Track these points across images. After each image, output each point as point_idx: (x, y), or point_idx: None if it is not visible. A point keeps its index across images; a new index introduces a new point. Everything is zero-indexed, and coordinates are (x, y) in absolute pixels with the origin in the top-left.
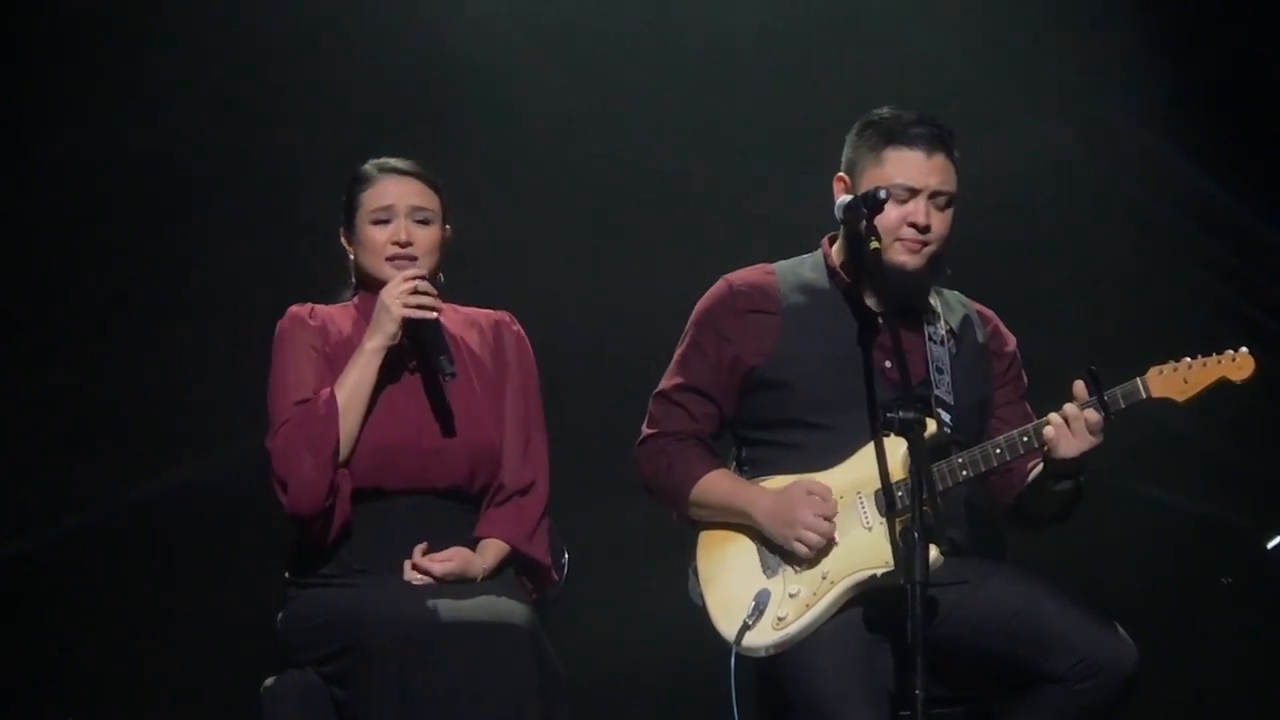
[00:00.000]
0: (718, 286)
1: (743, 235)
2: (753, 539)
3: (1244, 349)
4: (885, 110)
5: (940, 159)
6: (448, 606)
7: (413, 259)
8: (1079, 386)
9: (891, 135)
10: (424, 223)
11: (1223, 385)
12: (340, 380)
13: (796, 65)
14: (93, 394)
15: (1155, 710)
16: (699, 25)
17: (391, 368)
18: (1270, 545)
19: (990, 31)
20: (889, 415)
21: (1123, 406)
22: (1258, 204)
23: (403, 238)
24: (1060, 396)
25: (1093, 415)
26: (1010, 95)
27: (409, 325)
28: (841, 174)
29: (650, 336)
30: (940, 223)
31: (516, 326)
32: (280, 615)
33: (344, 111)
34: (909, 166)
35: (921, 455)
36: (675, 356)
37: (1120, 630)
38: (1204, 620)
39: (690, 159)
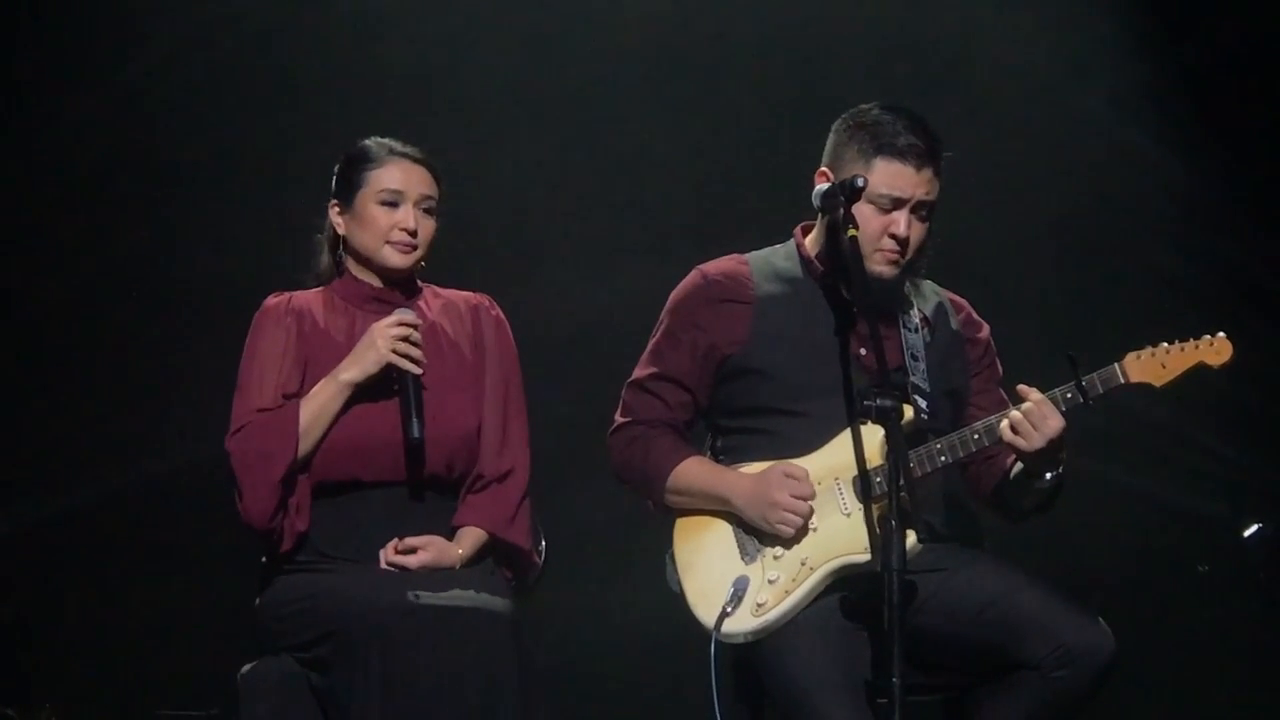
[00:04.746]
0: (691, 276)
1: (721, 224)
2: (730, 525)
3: (1221, 334)
4: (876, 110)
5: (928, 172)
6: (427, 594)
7: (414, 247)
8: (1024, 388)
9: (882, 145)
10: (429, 212)
11: (1201, 370)
12: (306, 401)
13: (777, 59)
14: (71, 381)
15: (1131, 697)
16: (684, 18)
17: None
18: (1246, 534)
19: (972, 21)
20: (866, 403)
21: (1100, 392)
22: (1236, 193)
23: (412, 226)
24: (1043, 385)
25: (1037, 396)
26: (991, 85)
27: (390, 367)
28: (825, 169)
29: (630, 322)
30: (919, 232)
31: (495, 310)
32: (258, 601)
33: (327, 99)
34: (897, 178)
35: (899, 442)
36: (649, 346)
37: (1097, 618)
38: (1180, 608)
39: (670, 149)
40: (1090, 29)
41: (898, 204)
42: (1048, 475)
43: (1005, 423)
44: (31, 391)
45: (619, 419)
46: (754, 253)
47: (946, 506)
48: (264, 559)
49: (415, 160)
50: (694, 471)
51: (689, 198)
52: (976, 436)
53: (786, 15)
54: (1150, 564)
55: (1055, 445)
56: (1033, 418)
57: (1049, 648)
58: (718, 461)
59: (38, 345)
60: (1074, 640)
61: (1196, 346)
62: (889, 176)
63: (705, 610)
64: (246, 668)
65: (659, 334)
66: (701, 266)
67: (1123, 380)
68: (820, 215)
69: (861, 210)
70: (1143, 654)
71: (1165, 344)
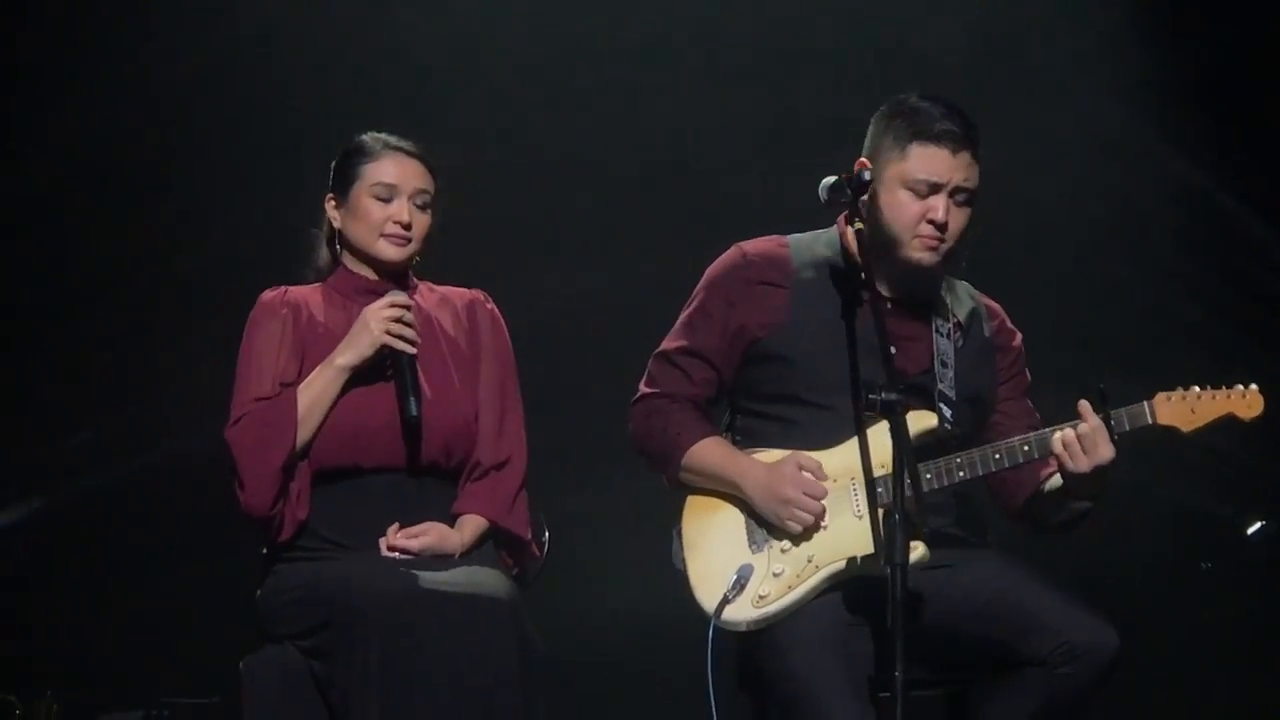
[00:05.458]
0: (730, 253)
1: (719, 219)
2: (741, 511)
3: (1254, 386)
4: (914, 99)
5: (965, 156)
6: (429, 579)
7: (408, 240)
8: (1085, 407)
9: (918, 130)
10: (423, 207)
11: (1229, 420)
12: (303, 387)
13: (772, 56)
14: (75, 372)
15: (1135, 693)
16: (681, 13)
17: None
18: (1250, 531)
19: (978, 22)
20: (871, 396)
21: (1127, 429)
22: (1243, 191)
23: (405, 219)
24: (1065, 394)
25: (1095, 422)
26: (996, 88)
27: (385, 349)
28: (864, 159)
29: (629, 315)
30: (958, 219)
31: (490, 305)
32: (259, 590)
33: (325, 96)
34: (933, 163)
35: (903, 438)
36: (681, 318)
37: (1102, 615)
38: (1183, 605)
39: (669, 144)
40: (1096, 23)
41: (934, 189)
42: (1085, 501)
43: (1058, 436)
44: (34, 382)
45: (643, 388)
46: (795, 236)
47: (953, 506)
48: (265, 548)
49: (410, 154)
50: (710, 453)
51: (687, 192)
52: (998, 457)
53: (783, 10)
54: (1153, 561)
55: (1101, 471)
56: (1085, 441)
57: (1053, 644)
58: (734, 443)
59: (42, 336)
60: (1078, 637)
61: (1229, 396)
62: (925, 161)
63: (706, 593)
64: (248, 656)
65: (692, 307)
66: (742, 244)
67: (1150, 421)
68: (862, 205)
69: (899, 196)
70: (1146, 651)
71: (1197, 388)
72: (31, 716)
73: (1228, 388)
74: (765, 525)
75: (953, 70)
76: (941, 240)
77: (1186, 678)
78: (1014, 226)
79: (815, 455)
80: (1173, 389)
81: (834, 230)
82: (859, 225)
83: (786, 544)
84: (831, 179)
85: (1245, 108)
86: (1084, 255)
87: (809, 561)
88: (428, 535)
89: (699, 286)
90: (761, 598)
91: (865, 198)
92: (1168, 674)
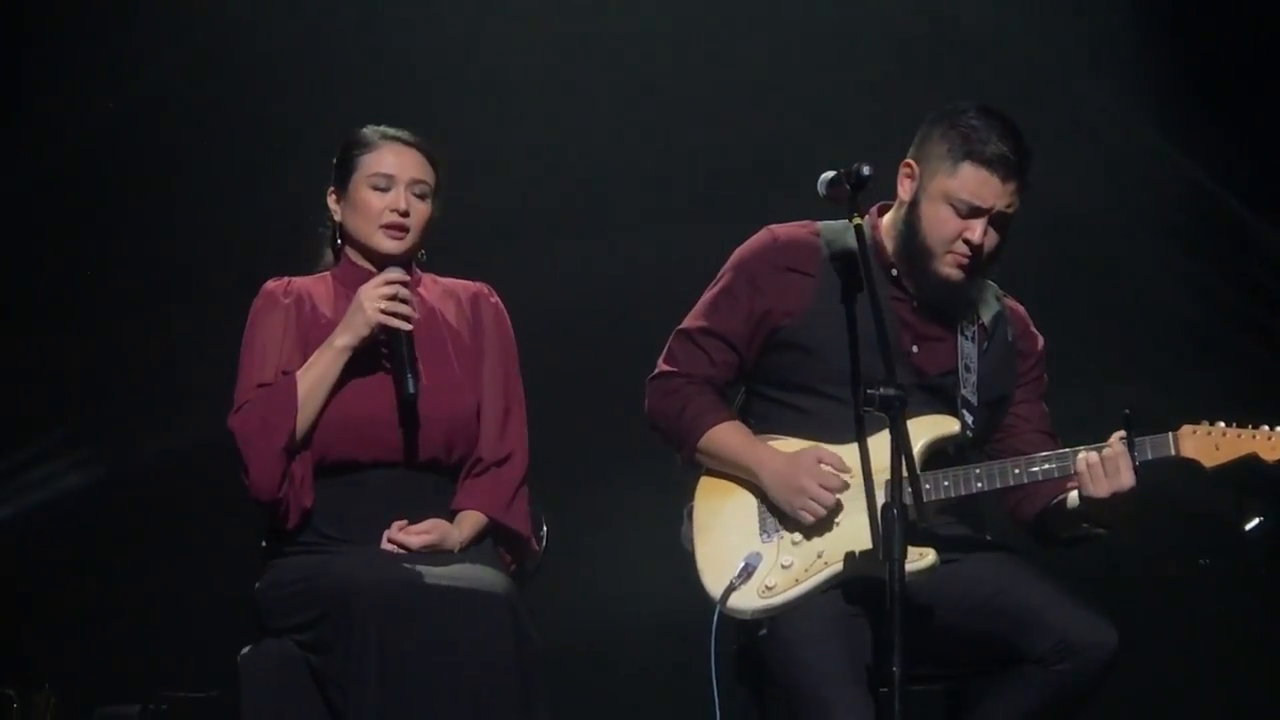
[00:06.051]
0: (761, 236)
1: (724, 214)
2: (755, 498)
3: (1279, 428)
4: (971, 112)
5: (1013, 185)
6: (427, 574)
7: (406, 230)
8: (1116, 435)
9: (971, 151)
10: (421, 196)
11: (1252, 459)
12: (304, 370)
13: (772, 50)
14: (72, 367)
15: (1133, 689)
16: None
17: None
18: (1247, 527)
19: (978, 22)
20: (869, 391)
21: (1149, 458)
22: (1247, 192)
23: (403, 207)
24: (1065, 394)
25: (1119, 448)
26: (996, 89)
27: (381, 328)
28: (911, 161)
29: (629, 312)
30: (994, 240)
31: (495, 298)
32: (258, 584)
33: (328, 83)
34: (982, 187)
35: (901, 434)
36: (706, 297)
37: (1101, 612)
38: (1181, 601)
39: (672, 139)
40: (1096, 23)
41: (976, 212)
42: (1100, 528)
43: (1081, 456)
44: (32, 376)
45: (662, 366)
46: (826, 223)
47: (955, 503)
48: (264, 542)
49: (407, 144)
50: (729, 438)
51: (693, 187)
52: (1017, 472)
53: (782, 8)
54: (1152, 558)
55: (1120, 499)
56: (1107, 465)
57: (1052, 641)
58: (747, 425)
59: (40, 331)
60: (1076, 634)
61: (1254, 436)
62: (973, 184)
63: (711, 578)
64: (246, 650)
65: (718, 288)
66: (772, 228)
67: (1173, 452)
68: (899, 203)
69: (939, 211)
70: (1144, 647)
71: (1222, 424)
72: (29, 710)
73: (1254, 427)
74: (777, 514)
75: (952, 71)
76: (973, 260)
77: (1184, 674)
78: (1014, 227)
79: (836, 449)
80: (1196, 419)
81: (865, 221)
82: (858, 220)
83: (798, 536)
84: (830, 174)
85: (1245, 108)
86: (1083, 255)
87: (819, 557)
88: (429, 533)
89: (726, 266)
90: (768, 588)
91: (908, 201)
92: (1165, 670)
